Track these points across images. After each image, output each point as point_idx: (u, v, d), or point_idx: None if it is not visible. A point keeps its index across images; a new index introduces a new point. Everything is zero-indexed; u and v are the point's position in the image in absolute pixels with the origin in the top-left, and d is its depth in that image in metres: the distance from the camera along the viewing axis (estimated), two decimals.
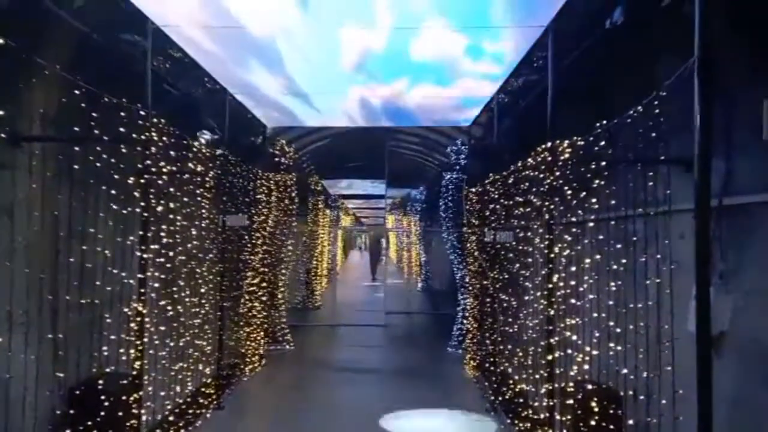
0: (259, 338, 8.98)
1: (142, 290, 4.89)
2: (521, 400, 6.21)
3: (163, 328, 5.55)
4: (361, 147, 12.85)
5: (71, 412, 4.49)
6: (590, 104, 5.09)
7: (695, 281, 2.98)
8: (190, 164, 6.09)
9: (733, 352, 3.58)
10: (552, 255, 5.00)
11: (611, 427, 4.29)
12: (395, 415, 6.88)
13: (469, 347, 8.94)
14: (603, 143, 4.24)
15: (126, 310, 4.94)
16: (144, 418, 4.93)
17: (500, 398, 6.93)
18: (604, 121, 4.14)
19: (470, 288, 8.85)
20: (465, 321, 9.50)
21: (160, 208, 5.31)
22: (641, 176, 3.97)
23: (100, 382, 4.61)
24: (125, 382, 4.71)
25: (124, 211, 4.94)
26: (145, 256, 4.97)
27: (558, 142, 4.63)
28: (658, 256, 3.75)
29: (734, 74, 3.45)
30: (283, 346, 10.47)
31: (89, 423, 4.46)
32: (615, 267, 4.32)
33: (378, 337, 12.31)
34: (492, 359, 7.37)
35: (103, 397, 4.55)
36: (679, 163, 3.63)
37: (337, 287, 16.51)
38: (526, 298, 5.98)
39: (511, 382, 6.63)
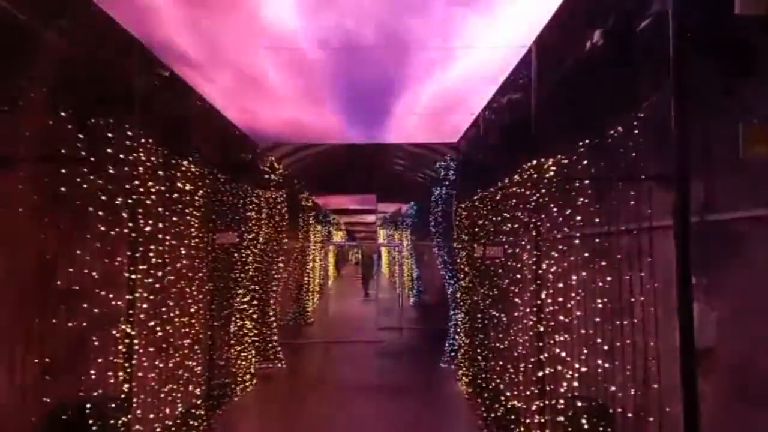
0: (250, 357, 8.91)
1: (131, 311, 4.88)
2: (513, 417, 6.19)
3: (151, 349, 5.50)
4: (352, 163, 12.90)
5: None
6: (574, 121, 5.15)
7: (677, 298, 3.02)
8: (179, 183, 6.10)
9: (718, 367, 3.61)
10: (540, 271, 5.03)
11: None
12: None
13: (461, 363, 8.93)
14: (586, 161, 4.30)
15: (114, 332, 4.90)
16: None
17: (492, 414, 6.91)
18: (587, 141, 4.21)
19: (461, 303, 8.86)
20: (457, 336, 9.49)
21: (148, 228, 5.30)
22: (627, 193, 4.02)
23: (88, 405, 4.56)
24: (113, 405, 4.66)
25: (112, 232, 4.93)
26: (133, 276, 4.96)
27: (543, 159, 4.69)
28: (642, 274, 3.79)
29: (712, 95, 3.53)
30: (275, 364, 10.39)
31: None
32: (601, 284, 4.36)
33: (370, 353, 12.25)
34: (484, 375, 7.35)
35: (90, 421, 4.50)
36: (661, 181, 3.68)
37: (329, 303, 16.45)
38: (516, 313, 6.00)
39: (503, 398, 6.62)
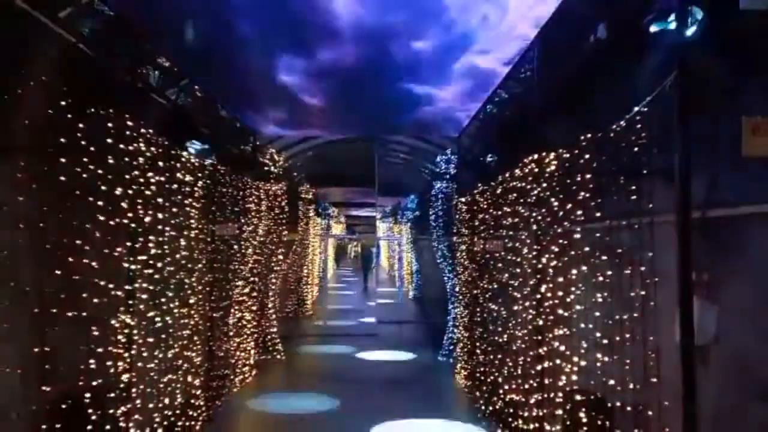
0: (249, 348, 8.93)
1: (130, 302, 4.89)
2: (511, 410, 6.21)
3: (151, 339, 5.51)
4: (353, 156, 12.91)
5: (57, 426, 4.45)
6: (576, 116, 5.14)
7: (678, 293, 3.02)
8: (178, 174, 6.09)
9: (718, 363, 3.62)
10: (540, 265, 5.04)
11: None
12: (388, 427, 6.86)
13: (459, 356, 8.95)
14: (588, 156, 4.29)
15: (113, 322, 4.91)
16: (132, 431, 4.89)
17: (491, 408, 6.93)
18: (589, 135, 4.20)
19: (461, 297, 8.87)
20: (456, 330, 9.51)
21: (148, 219, 5.29)
22: (628, 187, 4.01)
23: (87, 395, 4.57)
24: (113, 395, 4.67)
25: (112, 222, 4.92)
26: (133, 267, 4.96)
27: (544, 154, 4.68)
28: (642, 268, 3.79)
29: (716, 90, 3.52)
30: (274, 356, 10.42)
31: None
32: (602, 278, 4.36)
33: (370, 346, 12.27)
34: (482, 368, 7.37)
35: (90, 411, 4.51)
36: (662, 175, 3.67)
37: (328, 295, 16.48)
38: (515, 307, 6.01)
39: (501, 391, 6.64)
